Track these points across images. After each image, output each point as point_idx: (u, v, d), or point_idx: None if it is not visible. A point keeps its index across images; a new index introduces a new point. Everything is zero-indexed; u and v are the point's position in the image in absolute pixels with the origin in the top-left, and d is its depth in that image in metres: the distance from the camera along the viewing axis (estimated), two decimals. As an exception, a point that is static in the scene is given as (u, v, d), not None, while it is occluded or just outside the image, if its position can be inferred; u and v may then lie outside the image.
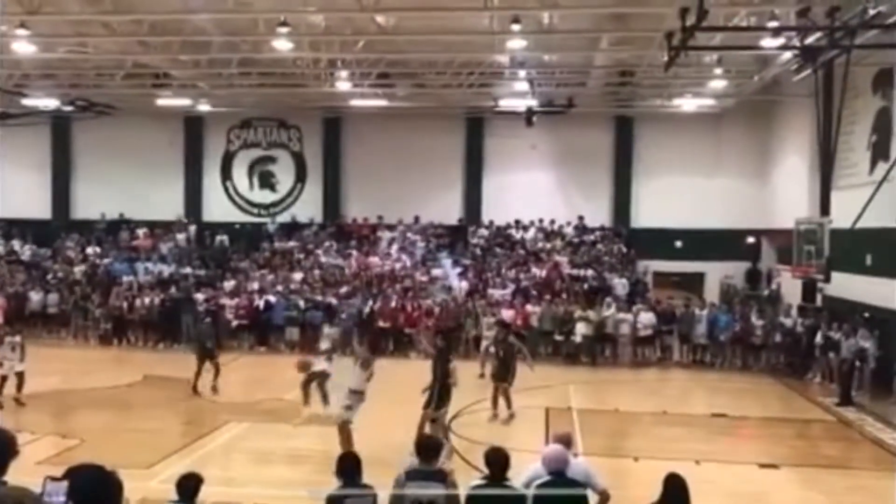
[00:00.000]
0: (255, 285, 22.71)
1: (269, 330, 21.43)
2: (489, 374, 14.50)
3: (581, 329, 19.86)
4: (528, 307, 20.78)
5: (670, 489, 5.78)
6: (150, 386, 16.04)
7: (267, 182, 28.61)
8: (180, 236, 26.77)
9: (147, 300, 21.80)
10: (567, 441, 6.76)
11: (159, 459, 10.57)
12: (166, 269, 24.48)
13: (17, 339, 14.08)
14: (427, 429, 10.47)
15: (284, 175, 28.51)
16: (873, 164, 18.17)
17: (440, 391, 10.97)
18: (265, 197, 28.60)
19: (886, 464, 11.80)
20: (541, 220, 26.23)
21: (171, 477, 9.48)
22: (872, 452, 12.56)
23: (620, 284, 22.57)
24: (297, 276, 23.64)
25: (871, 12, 12.40)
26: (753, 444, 13.01)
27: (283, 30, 16.44)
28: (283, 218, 28.03)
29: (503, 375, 13.63)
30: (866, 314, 17.11)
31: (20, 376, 13.82)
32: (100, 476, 2.68)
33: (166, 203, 27.62)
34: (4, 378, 13.78)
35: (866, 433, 13.61)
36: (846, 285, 17.84)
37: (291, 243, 26.17)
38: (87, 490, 2.65)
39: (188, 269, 24.39)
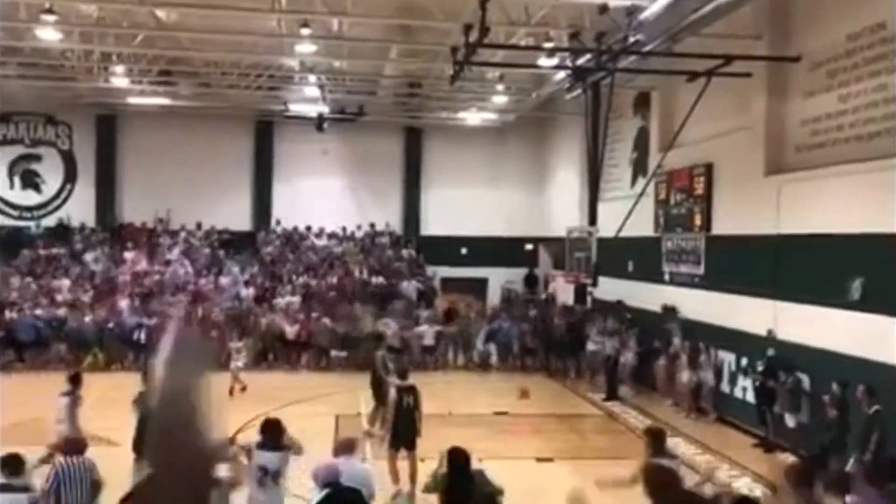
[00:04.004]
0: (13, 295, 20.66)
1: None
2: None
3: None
4: (315, 317, 20.56)
5: (453, 461, 6.14)
6: None
7: (31, 182, 26.16)
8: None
9: None
10: (350, 447, 6.81)
11: None
12: None
13: None
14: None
15: (51, 175, 26.22)
16: (634, 178, 20.00)
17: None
18: (29, 198, 26.12)
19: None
20: (340, 228, 26.32)
21: None
22: (636, 442, 13.72)
23: (412, 288, 23.12)
24: (65, 283, 21.77)
25: (632, 39, 13.62)
26: (531, 440, 13.75)
27: (49, 17, 15.10)
28: (50, 221, 25.77)
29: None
30: (629, 315, 18.74)
31: None
32: None
33: None
34: None
35: (630, 425, 14.86)
36: (611, 289, 19.42)
37: (58, 249, 24.06)
38: None
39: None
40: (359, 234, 26.41)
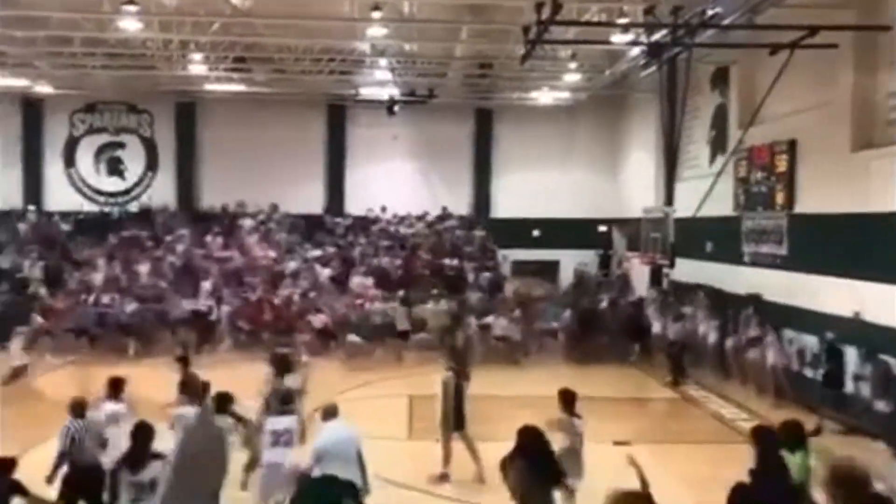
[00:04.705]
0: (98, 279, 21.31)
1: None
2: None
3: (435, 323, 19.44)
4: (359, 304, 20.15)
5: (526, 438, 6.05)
6: None
7: (115, 169, 27.12)
8: (20, 226, 24.90)
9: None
10: (334, 412, 7.65)
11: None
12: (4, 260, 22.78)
13: None
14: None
15: (134, 162, 27.10)
16: (712, 156, 19.45)
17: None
18: (113, 185, 27.09)
19: (724, 435, 12.70)
20: (411, 211, 26.41)
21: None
22: (713, 426, 13.45)
23: (483, 278, 22.88)
24: (143, 268, 22.37)
25: (710, 13, 13.20)
26: (607, 423, 13.56)
27: (131, 8, 15.57)
28: (133, 207, 26.71)
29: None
30: (702, 297, 18.26)
31: None
32: None
33: (2, 191, 25.61)
34: None
35: (708, 409, 14.54)
36: (689, 270, 19.00)
37: (141, 231, 24.80)
38: None
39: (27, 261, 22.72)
40: (429, 217, 26.40)
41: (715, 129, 19.46)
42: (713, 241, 18.83)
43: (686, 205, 18.15)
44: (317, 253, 23.92)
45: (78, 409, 7.98)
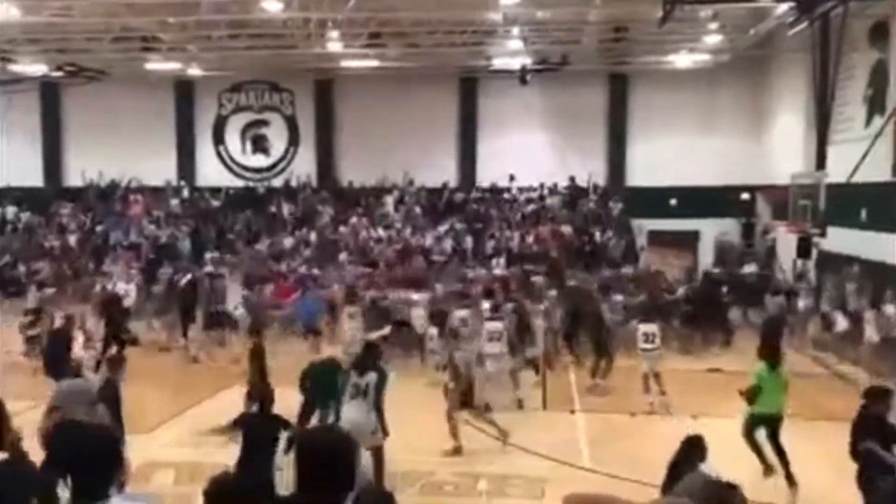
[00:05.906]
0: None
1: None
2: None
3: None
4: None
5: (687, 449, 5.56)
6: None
7: (260, 146, 28.43)
8: (174, 202, 26.64)
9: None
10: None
11: (158, 424, 10.78)
12: (162, 234, 24.45)
13: None
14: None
15: (277, 139, 28.31)
16: (869, 117, 18.10)
17: None
18: (259, 161, 28.43)
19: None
20: (543, 183, 26.19)
21: (171, 442, 9.61)
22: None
23: (619, 248, 22.28)
24: (288, 241, 23.32)
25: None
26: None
27: (272, -11, 16.18)
28: (278, 182, 27.93)
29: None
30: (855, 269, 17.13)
31: None
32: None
33: (158, 168, 27.39)
34: None
35: (861, 386, 13.70)
36: (841, 240, 17.89)
37: (286, 206, 25.91)
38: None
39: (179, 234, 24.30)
40: (561, 187, 26.04)
41: (872, 87, 18.08)
42: (869, 208, 17.61)
43: (838, 169, 17.05)
44: (445, 227, 24.18)
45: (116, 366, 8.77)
